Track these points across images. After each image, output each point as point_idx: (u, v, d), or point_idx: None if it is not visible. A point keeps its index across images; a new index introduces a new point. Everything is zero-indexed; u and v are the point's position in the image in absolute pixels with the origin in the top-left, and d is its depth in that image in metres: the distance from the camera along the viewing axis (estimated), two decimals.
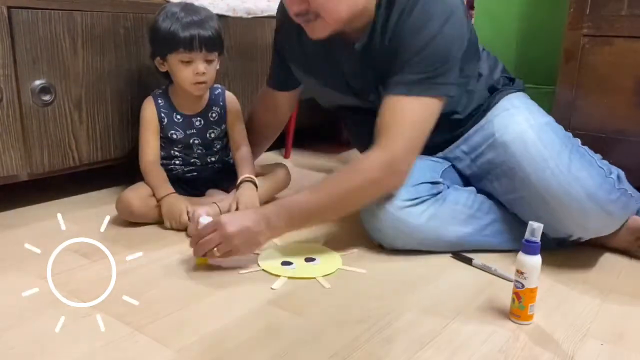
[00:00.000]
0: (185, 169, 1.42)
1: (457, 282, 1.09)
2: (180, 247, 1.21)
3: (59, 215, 1.04)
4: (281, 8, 1.32)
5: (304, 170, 1.93)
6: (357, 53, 1.18)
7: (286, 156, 2.08)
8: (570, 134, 1.22)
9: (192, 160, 1.42)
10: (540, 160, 1.12)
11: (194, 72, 1.31)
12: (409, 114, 1.09)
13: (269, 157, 2.02)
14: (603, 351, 0.87)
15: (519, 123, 1.19)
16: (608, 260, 1.22)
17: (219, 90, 1.44)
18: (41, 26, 1.31)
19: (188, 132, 1.40)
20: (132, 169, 1.43)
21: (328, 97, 1.36)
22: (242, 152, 1.44)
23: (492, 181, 1.23)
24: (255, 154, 1.51)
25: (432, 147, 1.25)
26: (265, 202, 1.46)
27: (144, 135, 1.39)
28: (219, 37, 1.33)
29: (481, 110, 1.27)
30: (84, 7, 1.39)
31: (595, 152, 1.21)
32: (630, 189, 1.14)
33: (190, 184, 1.41)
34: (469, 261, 1.17)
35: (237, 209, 1.31)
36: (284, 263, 1.13)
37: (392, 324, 0.92)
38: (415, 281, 1.08)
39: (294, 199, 1.11)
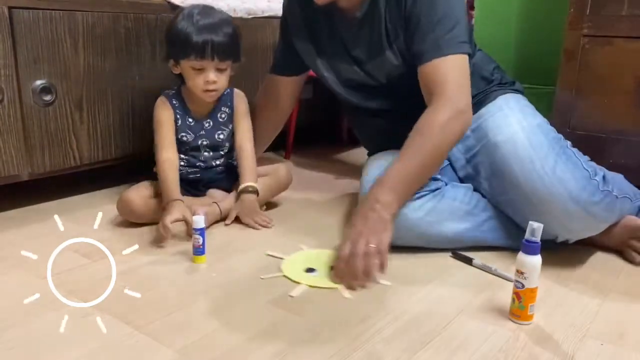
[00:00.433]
0: (189, 171, 1.41)
1: (457, 282, 1.09)
2: (180, 247, 1.21)
3: (56, 217, 1.04)
4: None
5: (304, 170, 1.93)
6: (359, 21, 1.24)
7: (286, 156, 2.08)
8: (561, 136, 1.23)
9: (198, 164, 1.42)
10: (528, 162, 1.13)
11: (204, 80, 1.29)
12: (450, 68, 1.16)
13: (269, 157, 2.02)
14: (603, 351, 0.87)
15: (511, 125, 1.21)
16: (608, 260, 1.22)
17: (227, 90, 1.43)
18: (42, 26, 1.32)
19: (198, 134, 1.39)
20: (135, 168, 1.43)
21: (333, 75, 1.37)
22: (246, 153, 1.41)
23: (483, 182, 1.24)
24: (256, 151, 1.51)
25: None
26: (266, 202, 1.46)
27: (161, 133, 1.35)
28: (233, 44, 1.31)
29: (476, 101, 1.28)
30: (84, 7, 1.39)
31: (595, 152, 1.21)
32: (618, 190, 1.15)
33: (192, 185, 1.41)
34: (469, 261, 1.17)
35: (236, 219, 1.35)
36: (308, 270, 1.10)
37: (392, 324, 0.93)
38: (415, 281, 1.08)
39: (392, 173, 1.11)
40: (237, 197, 1.37)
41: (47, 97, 1.35)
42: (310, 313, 0.95)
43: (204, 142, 1.40)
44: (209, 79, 1.29)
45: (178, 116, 1.37)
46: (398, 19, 1.21)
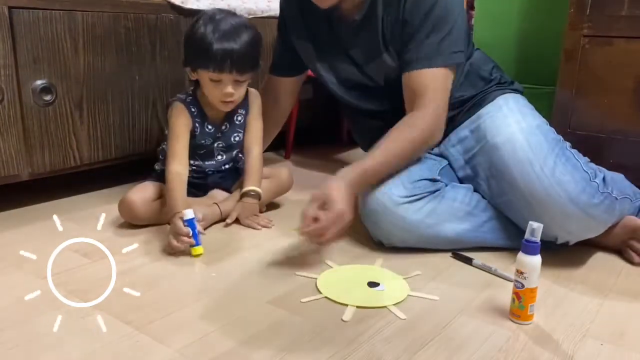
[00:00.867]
0: (195, 176, 1.40)
1: (457, 282, 1.09)
2: None
3: (55, 217, 1.04)
4: None
5: (304, 170, 1.93)
6: (357, 24, 1.25)
7: (286, 156, 2.08)
8: (560, 137, 1.23)
9: (207, 170, 1.40)
10: (527, 164, 1.13)
11: (222, 92, 1.27)
12: (434, 82, 1.20)
13: (269, 157, 2.03)
14: (603, 351, 0.87)
15: (510, 125, 1.21)
16: (608, 260, 1.22)
17: (240, 101, 1.38)
18: (42, 26, 1.32)
19: (215, 137, 1.38)
20: (135, 168, 1.43)
21: (332, 75, 1.37)
22: (253, 155, 1.39)
23: (482, 183, 1.24)
24: None
25: None
26: (266, 204, 1.46)
27: (175, 141, 1.30)
28: (253, 56, 1.27)
29: (475, 101, 1.29)
30: (84, 7, 1.39)
31: (595, 152, 1.21)
32: (618, 192, 1.15)
33: (195, 187, 1.40)
34: (469, 261, 1.17)
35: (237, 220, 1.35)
36: (371, 284, 1.06)
37: (392, 324, 0.93)
38: (415, 281, 1.08)
39: (367, 166, 1.15)
40: (239, 199, 1.37)
41: (47, 97, 1.35)
42: (310, 313, 0.95)
43: (220, 145, 1.40)
44: (227, 91, 1.26)
45: (197, 124, 1.34)
46: (395, 23, 1.22)
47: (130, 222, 1.32)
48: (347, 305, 0.98)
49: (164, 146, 1.40)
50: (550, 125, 1.27)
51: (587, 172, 1.13)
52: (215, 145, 1.39)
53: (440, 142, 1.34)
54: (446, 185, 1.24)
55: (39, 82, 1.33)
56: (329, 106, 2.07)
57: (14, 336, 0.86)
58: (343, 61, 1.33)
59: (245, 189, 1.36)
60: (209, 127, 1.36)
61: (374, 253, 1.21)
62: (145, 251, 1.19)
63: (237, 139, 1.41)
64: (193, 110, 1.33)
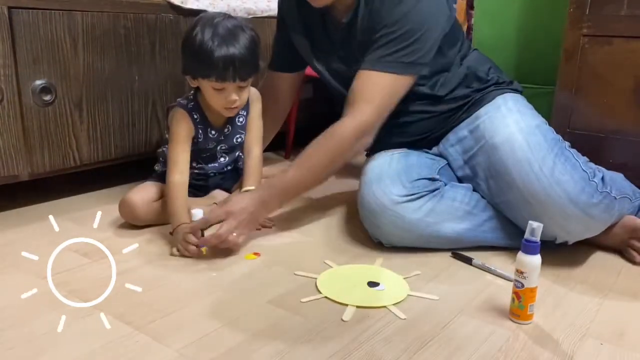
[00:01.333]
0: (196, 178, 1.40)
1: (457, 282, 1.09)
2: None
3: (51, 217, 1.04)
4: None
5: None
6: (345, 26, 1.26)
7: (286, 156, 2.08)
8: (559, 137, 1.23)
9: (210, 173, 1.40)
10: (526, 164, 1.13)
11: (225, 99, 1.24)
12: (378, 88, 1.19)
13: (270, 157, 2.03)
14: (603, 351, 0.87)
15: (508, 125, 1.21)
16: (607, 259, 1.22)
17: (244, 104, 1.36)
18: (42, 26, 1.32)
19: (218, 140, 1.37)
20: (135, 168, 1.43)
21: (327, 71, 1.38)
22: (253, 155, 1.38)
23: (482, 183, 1.24)
24: None
25: (426, 139, 1.33)
26: None
27: (175, 150, 1.28)
28: (254, 61, 1.24)
29: (473, 101, 1.30)
30: (84, 7, 1.39)
31: (595, 151, 1.21)
32: (617, 191, 1.15)
33: (196, 188, 1.40)
34: (468, 261, 1.17)
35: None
36: (371, 284, 1.06)
37: (392, 324, 0.93)
38: (414, 281, 1.08)
39: (283, 179, 1.21)
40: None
41: (47, 97, 1.35)
42: (310, 313, 0.95)
43: (223, 147, 1.39)
44: (231, 99, 1.24)
45: (200, 131, 1.32)
46: (370, 27, 1.21)
47: (130, 223, 1.32)
48: (347, 305, 0.98)
49: (164, 149, 1.40)
50: (550, 124, 1.27)
51: (586, 171, 1.13)
52: (218, 148, 1.39)
53: (439, 142, 1.34)
54: (445, 185, 1.25)
55: (38, 82, 1.33)
56: (329, 106, 2.07)
57: (13, 336, 0.86)
58: (335, 60, 1.34)
59: (245, 189, 1.35)
60: (213, 132, 1.35)
61: (373, 253, 1.21)
62: (146, 251, 1.19)
63: (239, 140, 1.40)
64: (196, 117, 1.30)
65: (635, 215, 1.24)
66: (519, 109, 1.26)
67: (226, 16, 1.25)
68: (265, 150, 1.64)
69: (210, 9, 1.60)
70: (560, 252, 1.19)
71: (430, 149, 1.35)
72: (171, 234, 1.22)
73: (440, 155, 1.34)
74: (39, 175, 1.40)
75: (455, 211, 1.20)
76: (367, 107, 1.18)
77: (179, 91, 1.59)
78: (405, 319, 0.94)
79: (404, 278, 1.09)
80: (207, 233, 1.17)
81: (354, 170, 1.80)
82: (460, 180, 1.31)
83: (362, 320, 0.93)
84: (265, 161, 1.46)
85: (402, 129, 1.33)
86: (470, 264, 1.16)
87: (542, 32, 1.89)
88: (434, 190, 1.21)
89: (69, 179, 1.54)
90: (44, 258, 1.03)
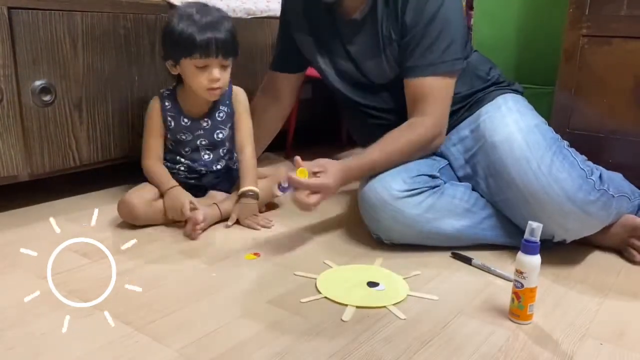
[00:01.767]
0: (189, 176, 1.41)
1: (457, 282, 1.09)
2: (180, 247, 1.22)
3: (52, 220, 1.04)
4: None
5: None
6: (357, 23, 1.27)
7: (287, 156, 2.08)
8: (558, 136, 1.23)
9: (198, 169, 1.41)
10: (524, 162, 1.14)
11: (208, 78, 1.28)
12: (437, 90, 1.23)
13: (270, 157, 2.03)
14: (602, 350, 0.87)
15: (508, 125, 1.21)
16: (607, 259, 1.22)
17: (226, 88, 1.41)
18: (41, 27, 1.32)
19: (196, 133, 1.39)
20: (134, 168, 1.43)
21: (332, 69, 1.38)
22: (246, 154, 1.40)
23: (481, 182, 1.24)
24: (256, 150, 1.51)
25: None
26: (265, 203, 1.46)
27: (147, 137, 1.39)
28: (234, 40, 1.31)
29: (474, 100, 1.31)
30: (84, 8, 1.39)
31: (594, 151, 1.22)
32: (615, 189, 1.15)
33: (192, 188, 1.41)
34: (468, 261, 1.17)
35: (237, 221, 1.36)
36: (371, 284, 1.06)
37: (392, 324, 0.93)
38: (414, 281, 1.08)
39: (367, 159, 1.21)
40: (237, 200, 1.37)
41: (47, 98, 1.35)
42: (310, 313, 0.95)
43: (203, 142, 1.40)
44: (214, 76, 1.28)
45: (170, 118, 1.37)
46: (394, 26, 1.23)
47: (129, 223, 1.32)
48: (346, 305, 0.98)
49: None
50: (550, 125, 1.28)
51: (583, 169, 1.13)
52: (198, 142, 1.40)
53: None
54: (445, 183, 1.25)
55: (38, 82, 1.33)
56: (329, 106, 2.08)
57: (14, 336, 0.86)
58: (341, 56, 1.34)
59: (243, 189, 1.36)
60: (185, 120, 1.38)
61: (373, 253, 1.21)
62: (145, 251, 1.19)
63: (220, 136, 1.41)
64: (167, 104, 1.37)
65: (635, 215, 1.24)
66: (518, 109, 1.26)
67: (204, 5, 1.33)
68: (265, 150, 1.65)
69: None
70: (560, 252, 1.19)
71: (431, 155, 1.35)
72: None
73: (441, 155, 1.34)
74: (39, 176, 1.40)
75: (455, 208, 1.21)
76: (434, 109, 1.23)
77: None
78: (405, 319, 0.94)
79: (404, 278, 1.09)
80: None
81: None
82: (460, 180, 1.31)
83: (361, 321, 0.93)
84: (265, 161, 1.46)
85: None
86: (470, 264, 1.16)
87: (542, 32, 1.89)
88: (434, 187, 1.21)
89: (68, 179, 1.54)
90: (44, 258, 1.03)
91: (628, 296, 1.06)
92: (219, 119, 1.40)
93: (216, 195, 1.43)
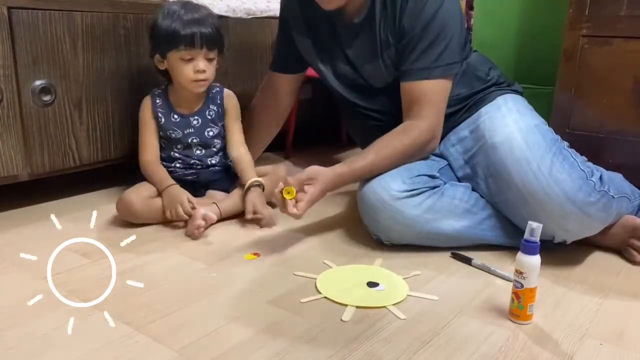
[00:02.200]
0: (186, 172, 1.42)
1: (457, 282, 1.09)
2: (180, 247, 1.22)
3: (53, 217, 1.04)
4: None
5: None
6: (356, 27, 1.27)
7: (286, 156, 2.08)
8: (558, 137, 1.23)
9: (192, 162, 1.42)
10: (524, 163, 1.14)
11: (194, 70, 1.31)
12: (433, 93, 1.23)
13: (270, 157, 2.03)
14: (602, 351, 0.87)
15: (508, 125, 1.21)
16: (607, 259, 1.22)
17: (217, 88, 1.44)
18: (41, 27, 1.32)
19: (186, 131, 1.40)
20: (134, 168, 1.44)
21: (330, 71, 1.39)
22: (241, 153, 1.43)
23: (481, 183, 1.24)
24: (256, 150, 1.52)
25: None
26: (265, 202, 1.46)
27: (142, 134, 1.41)
28: (219, 34, 1.34)
29: (474, 101, 1.31)
30: (84, 8, 1.39)
31: (594, 152, 1.22)
32: (615, 190, 1.15)
33: (190, 186, 1.41)
34: (468, 261, 1.17)
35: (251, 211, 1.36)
36: (371, 284, 1.06)
37: (392, 324, 0.93)
38: (414, 281, 1.08)
39: (360, 164, 1.20)
40: (245, 192, 1.37)
41: (47, 98, 1.35)
42: (310, 313, 0.95)
43: (194, 140, 1.41)
44: (199, 67, 1.31)
45: (160, 114, 1.39)
46: (391, 30, 1.23)
47: (128, 221, 1.32)
48: (346, 305, 0.98)
49: None
50: (550, 125, 1.28)
51: (584, 170, 1.13)
52: (190, 140, 1.41)
53: (440, 141, 1.35)
54: (445, 184, 1.25)
55: (38, 82, 1.33)
56: (329, 106, 2.07)
57: (14, 336, 0.86)
58: (340, 60, 1.34)
59: (249, 181, 1.37)
60: (175, 116, 1.40)
61: (373, 253, 1.21)
62: (145, 251, 1.19)
63: (210, 133, 1.43)
64: (158, 101, 1.40)
65: (635, 215, 1.24)
66: (518, 109, 1.26)
67: (189, 2, 1.37)
68: (265, 150, 1.65)
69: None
70: (560, 252, 1.19)
71: (426, 158, 1.35)
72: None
73: (440, 155, 1.34)
74: (39, 176, 1.40)
75: (454, 209, 1.21)
76: (429, 112, 1.22)
77: None
78: (405, 319, 0.94)
79: (404, 278, 1.09)
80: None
81: None
82: (460, 181, 1.31)
83: (361, 321, 0.93)
84: (265, 161, 1.46)
85: None
86: (470, 264, 1.16)
87: (542, 32, 1.89)
88: (434, 188, 1.21)
89: (68, 179, 1.54)
90: (44, 258, 1.03)
91: (628, 296, 1.06)
92: (209, 117, 1.42)
93: (215, 194, 1.43)
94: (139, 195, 1.31)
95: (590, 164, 1.20)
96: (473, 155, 1.27)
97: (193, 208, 1.28)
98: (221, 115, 1.44)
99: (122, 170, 1.60)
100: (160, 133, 1.41)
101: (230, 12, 1.68)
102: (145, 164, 1.39)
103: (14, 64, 1.29)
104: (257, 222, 1.35)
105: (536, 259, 0.92)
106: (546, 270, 1.06)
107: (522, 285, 0.92)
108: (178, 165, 1.42)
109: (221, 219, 1.37)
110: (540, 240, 0.92)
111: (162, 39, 1.32)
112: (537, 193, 1.11)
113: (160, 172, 1.37)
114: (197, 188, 1.43)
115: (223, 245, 1.24)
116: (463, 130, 1.31)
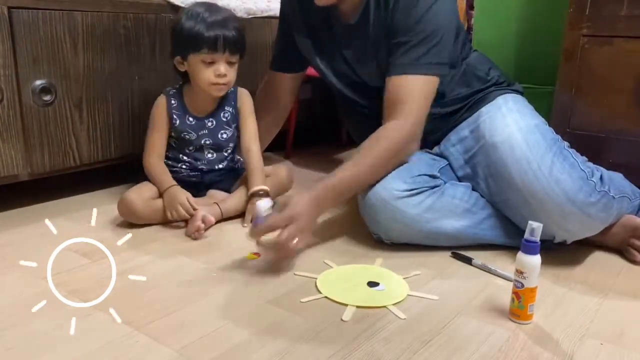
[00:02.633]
0: (191, 174, 1.42)
1: (457, 282, 1.09)
2: (180, 247, 1.22)
3: (47, 221, 1.04)
4: None
5: (304, 170, 1.93)
6: (351, 28, 1.27)
7: (286, 156, 2.08)
8: (558, 137, 1.23)
9: (200, 167, 1.42)
10: (525, 163, 1.14)
11: (215, 73, 1.30)
12: (415, 91, 1.20)
13: (270, 157, 2.03)
14: (602, 350, 0.87)
15: (508, 125, 1.21)
16: (607, 259, 1.22)
17: (232, 89, 1.43)
18: (42, 26, 1.32)
19: (200, 133, 1.39)
20: (134, 168, 1.44)
21: (330, 70, 1.39)
22: (253, 154, 1.41)
23: (481, 183, 1.24)
24: None
25: (427, 140, 1.31)
26: None
27: (151, 134, 1.39)
28: (242, 39, 1.33)
29: (474, 100, 1.30)
30: (84, 7, 1.39)
31: (595, 151, 1.22)
32: (615, 190, 1.14)
33: (193, 186, 1.41)
34: (468, 261, 1.17)
35: (251, 221, 1.33)
36: (371, 284, 1.06)
37: (392, 324, 0.93)
38: (414, 281, 1.08)
39: (336, 179, 1.16)
40: (249, 200, 1.37)
41: (47, 97, 1.35)
42: (310, 313, 0.95)
43: (207, 142, 1.40)
44: (220, 71, 1.30)
45: (175, 116, 1.38)
46: (385, 31, 1.23)
47: (129, 221, 1.32)
48: (346, 305, 0.98)
49: None
50: (550, 125, 1.28)
51: (584, 170, 1.13)
52: (203, 142, 1.40)
53: (440, 141, 1.35)
54: (445, 183, 1.25)
55: (38, 82, 1.33)
56: (329, 106, 2.07)
57: (14, 336, 0.86)
58: (338, 59, 1.35)
59: (254, 189, 1.36)
60: (190, 119, 1.39)
61: (373, 252, 1.21)
62: (145, 251, 1.19)
63: (224, 136, 1.42)
64: (173, 102, 1.38)
65: (635, 215, 1.24)
66: (519, 109, 1.26)
67: (212, 4, 1.35)
68: (265, 150, 1.64)
69: None
70: (560, 252, 1.19)
71: (431, 148, 1.36)
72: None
73: (441, 155, 1.34)
74: (39, 175, 1.40)
75: (455, 208, 1.21)
76: (410, 111, 1.19)
77: None
78: (405, 319, 0.94)
79: (404, 278, 1.09)
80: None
81: None
82: (460, 180, 1.31)
83: (362, 320, 0.93)
84: (265, 161, 1.46)
85: None
86: (470, 264, 1.16)
87: (542, 32, 1.89)
88: (434, 187, 1.21)
89: (68, 179, 1.54)
90: (44, 258, 1.03)
91: (628, 296, 1.06)
92: (223, 119, 1.41)
93: (216, 194, 1.43)
94: (140, 195, 1.31)
95: (590, 164, 1.20)
96: (473, 155, 1.27)
97: (194, 209, 1.28)
98: (235, 116, 1.43)
99: (122, 170, 1.60)
100: (173, 134, 1.39)
101: None
102: (149, 164, 1.37)
103: (14, 63, 1.29)
104: None
105: (537, 259, 0.92)
106: (546, 270, 1.06)
107: (522, 285, 0.92)
108: (184, 167, 1.41)
109: (222, 219, 1.37)
110: (540, 240, 0.92)
111: (184, 41, 1.30)
112: (537, 193, 1.11)
113: (162, 173, 1.36)
114: (199, 189, 1.43)
115: (224, 245, 1.24)
116: (463, 129, 1.31)
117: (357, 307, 0.98)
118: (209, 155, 1.42)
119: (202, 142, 1.40)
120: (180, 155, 1.41)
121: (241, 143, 1.44)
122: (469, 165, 1.29)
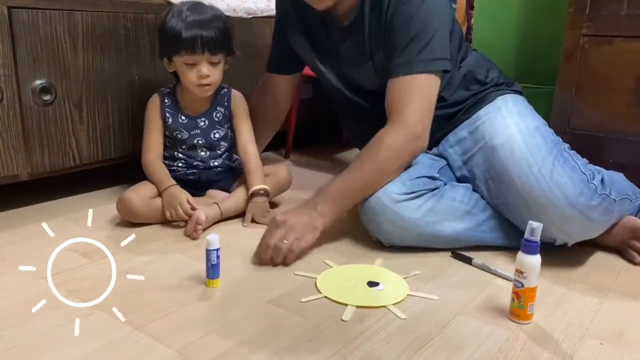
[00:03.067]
0: (188, 172, 1.42)
1: (457, 282, 1.09)
2: (180, 247, 1.22)
3: (44, 224, 1.04)
4: None
5: (304, 170, 1.93)
6: (346, 29, 1.27)
7: (286, 156, 2.08)
8: (559, 139, 1.23)
9: (195, 164, 1.42)
10: (525, 166, 1.13)
11: (197, 75, 1.30)
12: (416, 89, 1.19)
13: (269, 157, 2.03)
14: (602, 350, 0.87)
15: (508, 127, 1.21)
16: (607, 259, 1.22)
17: (225, 90, 1.44)
18: (42, 26, 1.32)
19: (192, 132, 1.40)
20: (134, 168, 1.44)
21: (328, 70, 1.39)
22: (251, 154, 1.41)
23: (480, 185, 1.24)
24: None
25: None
26: (267, 210, 1.46)
27: (147, 133, 1.40)
28: (224, 38, 1.31)
29: (473, 102, 1.30)
30: (84, 7, 1.39)
31: (595, 151, 1.21)
32: (616, 192, 1.14)
33: (191, 185, 1.41)
34: (468, 261, 1.17)
35: (252, 220, 1.36)
36: (371, 284, 1.06)
37: (392, 324, 0.93)
38: (414, 281, 1.08)
39: (333, 186, 1.19)
40: (249, 199, 1.37)
41: (47, 97, 1.35)
42: (310, 313, 0.95)
43: (200, 141, 1.41)
44: (202, 73, 1.30)
45: (168, 114, 1.39)
46: (379, 32, 1.23)
47: (128, 221, 1.32)
48: (346, 305, 0.98)
49: None
50: (550, 125, 1.28)
51: (585, 173, 1.13)
52: (195, 141, 1.41)
53: (439, 142, 1.35)
54: (445, 185, 1.25)
55: (38, 82, 1.33)
56: (329, 106, 2.07)
57: (14, 336, 0.86)
58: (335, 61, 1.35)
59: (254, 188, 1.37)
60: (182, 117, 1.40)
61: (373, 252, 1.21)
62: (145, 251, 1.19)
63: (217, 135, 1.42)
64: (166, 101, 1.40)
65: (636, 216, 1.24)
66: (519, 110, 1.26)
67: (197, 3, 1.34)
68: (265, 150, 1.65)
69: None
70: (560, 253, 1.19)
71: (430, 149, 1.36)
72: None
73: (440, 155, 1.34)
74: (39, 175, 1.40)
75: (454, 210, 1.20)
76: (410, 111, 1.18)
77: None
78: (405, 319, 0.94)
79: (404, 278, 1.09)
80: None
81: None
82: (459, 181, 1.31)
83: (362, 320, 0.93)
84: (265, 161, 1.46)
85: None
86: (470, 264, 1.16)
87: (542, 32, 1.89)
88: (433, 189, 1.21)
89: (68, 179, 1.54)
90: (44, 258, 1.03)
91: (628, 296, 1.06)
92: (215, 119, 1.41)
93: (216, 194, 1.43)
94: (139, 195, 1.31)
95: (591, 166, 1.20)
96: (471, 157, 1.27)
97: (193, 208, 1.28)
98: (228, 117, 1.43)
99: (122, 170, 1.60)
100: (166, 133, 1.41)
101: (230, 12, 1.68)
102: (148, 164, 1.38)
103: (14, 63, 1.29)
104: (267, 223, 1.34)
105: (537, 259, 0.92)
106: (546, 270, 1.06)
107: (522, 285, 0.92)
108: (180, 165, 1.42)
109: (222, 219, 1.37)
110: (541, 242, 0.92)
111: (167, 43, 1.31)
112: (538, 197, 1.11)
113: (161, 172, 1.37)
114: (198, 188, 1.43)
115: (223, 245, 1.24)
116: (462, 131, 1.30)
117: (357, 307, 0.98)
118: (202, 154, 1.43)
119: (195, 141, 1.40)
120: (176, 154, 1.42)
121: (238, 145, 1.44)
122: (467, 167, 1.28)
